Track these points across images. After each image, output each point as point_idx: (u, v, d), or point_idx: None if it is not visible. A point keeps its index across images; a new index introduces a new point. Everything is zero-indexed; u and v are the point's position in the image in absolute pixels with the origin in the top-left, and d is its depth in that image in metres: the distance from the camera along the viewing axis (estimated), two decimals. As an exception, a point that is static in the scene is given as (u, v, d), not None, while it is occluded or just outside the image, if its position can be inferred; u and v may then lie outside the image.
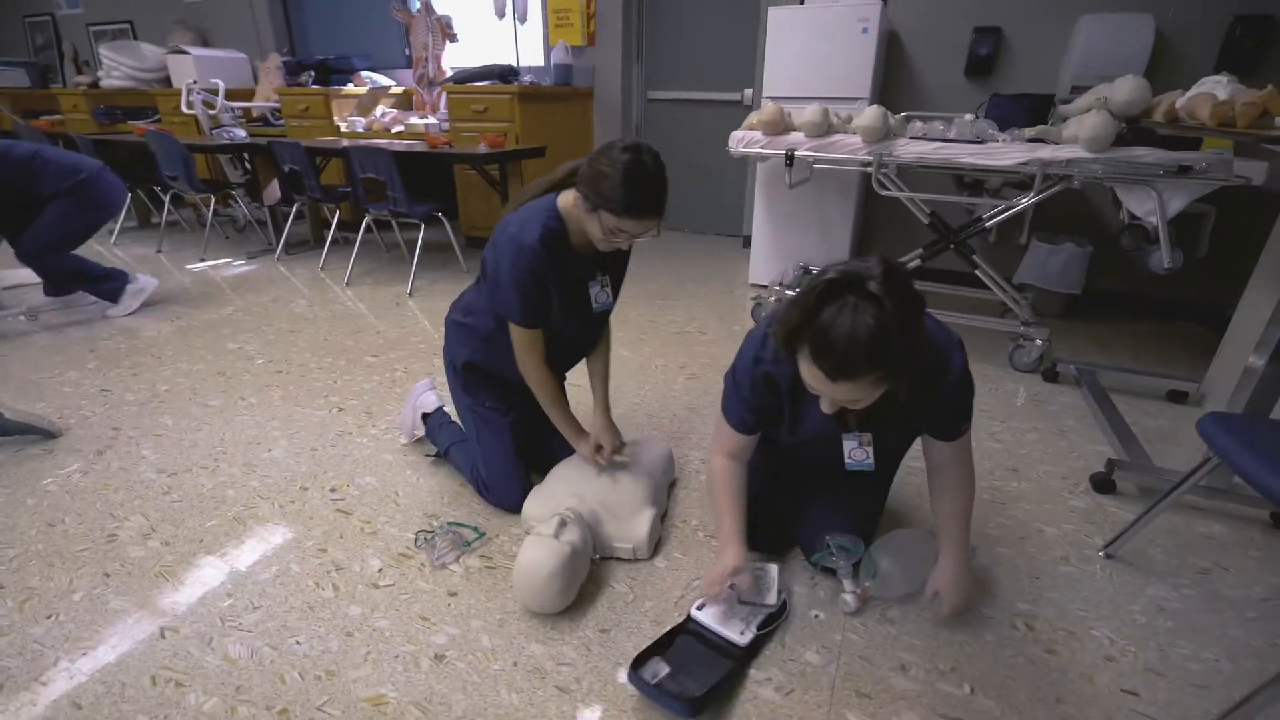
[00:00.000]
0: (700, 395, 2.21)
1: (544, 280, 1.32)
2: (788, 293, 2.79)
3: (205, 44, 5.64)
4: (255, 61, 5.28)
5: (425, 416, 1.79)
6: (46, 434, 1.90)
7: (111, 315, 2.89)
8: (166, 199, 4.17)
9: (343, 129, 4.27)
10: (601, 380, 1.59)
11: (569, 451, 1.57)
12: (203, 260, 3.86)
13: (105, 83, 5.66)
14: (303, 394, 2.18)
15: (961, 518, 1.18)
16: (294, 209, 3.87)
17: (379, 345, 2.59)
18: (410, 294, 3.20)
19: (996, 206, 2.37)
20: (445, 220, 3.35)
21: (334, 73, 4.71)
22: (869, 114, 2.40)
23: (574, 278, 1.39)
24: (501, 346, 1.47)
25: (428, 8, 4.27)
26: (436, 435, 1.74)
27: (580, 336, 1.54)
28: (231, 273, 3.63)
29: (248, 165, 4.25)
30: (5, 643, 1.20)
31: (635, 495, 1.44)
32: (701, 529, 1.53)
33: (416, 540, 1.47)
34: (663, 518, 1.54)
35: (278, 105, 4.67)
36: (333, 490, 1.66)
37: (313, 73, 4.63)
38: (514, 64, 4.10)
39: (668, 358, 2.50)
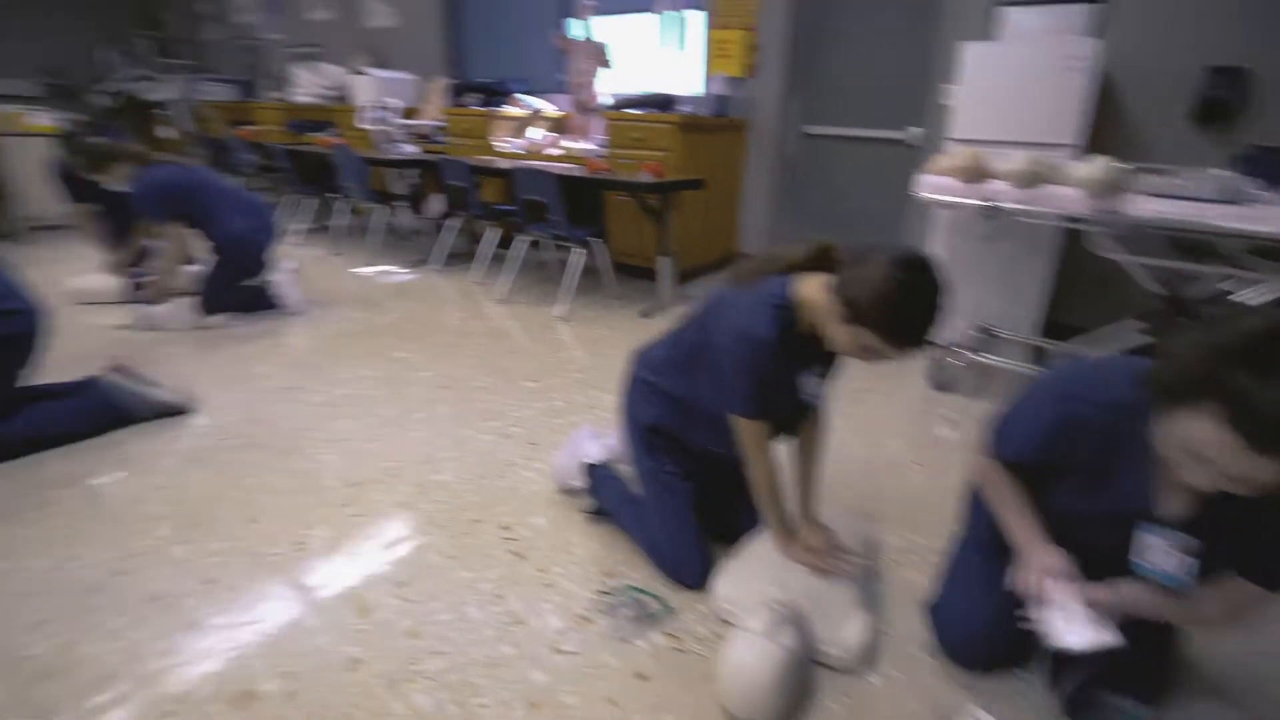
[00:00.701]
0: (863, 464, 2.01)
1: (772, 374, 1.19)
2: (974, 355, 2.53)
3: (381, 66, 6.11)
4: (424, 83, 5.65)
5: (588, 468, 1.67)
6: (182, 409, 2.11)
7: (292, 312, 3.09)
8: (341, 206, 4.50)
9: (499, 149, 4.44)
10: (810, 473, 1.43)
11: (752, 524, 1.43)
12: (368, 266, 4.11)
13: (295, 99, 6.27)
14: (468, 414, 2.20)
15: None
16: (453, 223, 4.03)
17: (535, 369, 2.59)
18: (563, 317, 3.21)
19: (1227, 275, 2.02)
20: (597, 245, 3.35)
21: (494, 95, 4.93)
22: (1095, 165, 2.13)
23: (793, 368, 1.25)
24: (694, 415, 1.37)
25: (588, 35, 4.37)
26: (601, 491, 1.63)
27: (784, 424, 1.39)
28: (393, 280, 3.83)
29: (415, 179, 4.51)
30: (212, 642, 1.23)
31: (846, 591, 1.28)
32: (912, 640, 1.32)
33: (598, 604, 1.38)
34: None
35: (444, 124, 4.94)
36: (505, 528, 1.62)
37: (481, 94, 4.86)
38: (673, 93, 4.09)
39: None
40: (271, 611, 1.33)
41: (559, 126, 4.90)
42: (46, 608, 1.31)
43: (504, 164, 3.68)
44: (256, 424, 2.08)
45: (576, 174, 3.37)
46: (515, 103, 4.78)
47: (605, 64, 4.35)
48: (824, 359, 1.29)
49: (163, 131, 6.67)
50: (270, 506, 1.67)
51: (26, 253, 4.02)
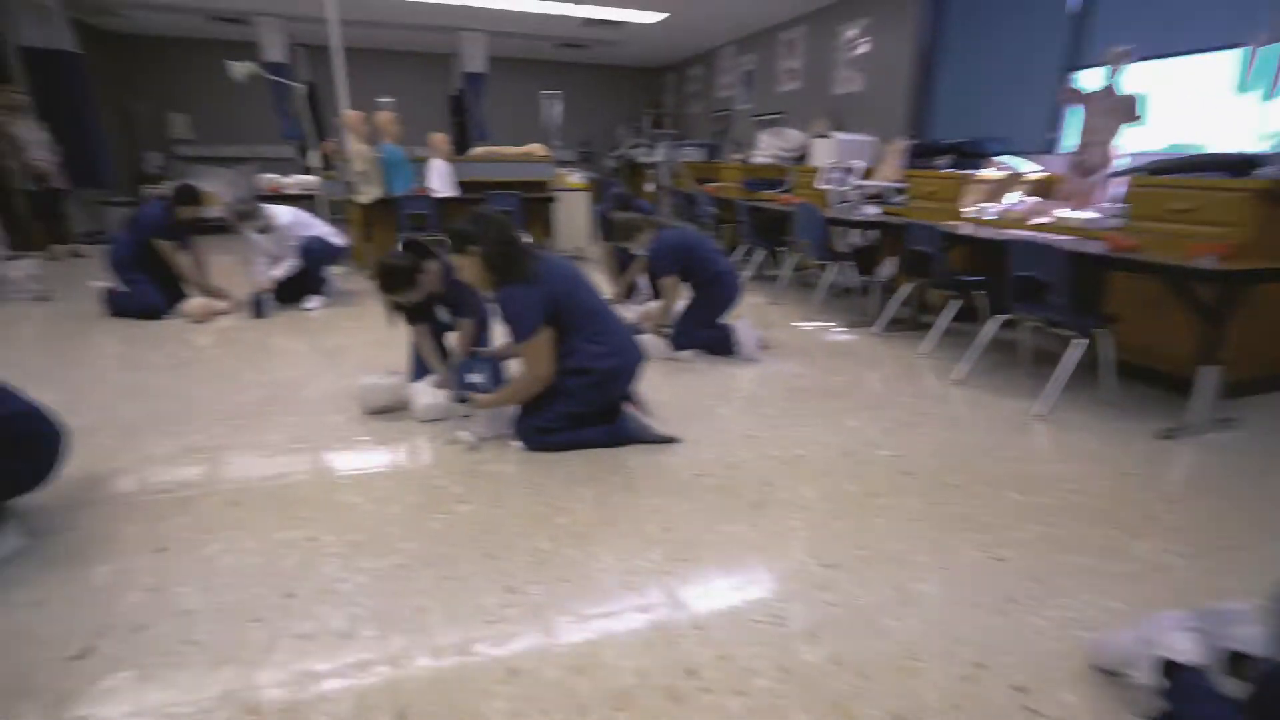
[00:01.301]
0: None
1: None
2: None
3: (840, 129, 6.32)
4: (882, 144, 5.61)
5: (1168, 667, 1.18)
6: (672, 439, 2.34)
7: (747, 358, 3.29)
8: (788, 260, 4.73)
9: (968, 214, 4.04)
10: None
11: None
12: (808, 320, 4.18)
13: (753, 159, 6.96)
14: (942, 516, 1.92)
15: None
16: (904, 290, 3.81)
17: (1015, 477, 2.16)
18: (1041, 415, 2.68)
19: None
20: (1102, 336, 2.70)
21: (966, 156, 4.55)
22: None
23: None
24: None
25: (1110, 88, 3.64)
26: (1183, 706, 1.13)
27: None
28: (830, 338, 3.80)
29: (869, 240, 4.45)
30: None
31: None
32: None
33: None
34: None
35: (903, 185, 4.78)
36: (1019, 690, 1.29)
37: (949, 155, 4.56)
38: (1249, 151, 3.10)
39: None
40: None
41: (1042, 191, 4.25)
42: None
43: (986, 233, 3.30)
44: (728, 469, 2.18)
45: (1088, 250, 2.78)
46: (991, 164, 4.32)
47: (1133, 119, 3.58)
48: None
49: (648, 187, 8.19)
50: (743, 560, 1.68)
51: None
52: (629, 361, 2.29)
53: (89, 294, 4.13)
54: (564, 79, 9.63)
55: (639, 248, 3.41)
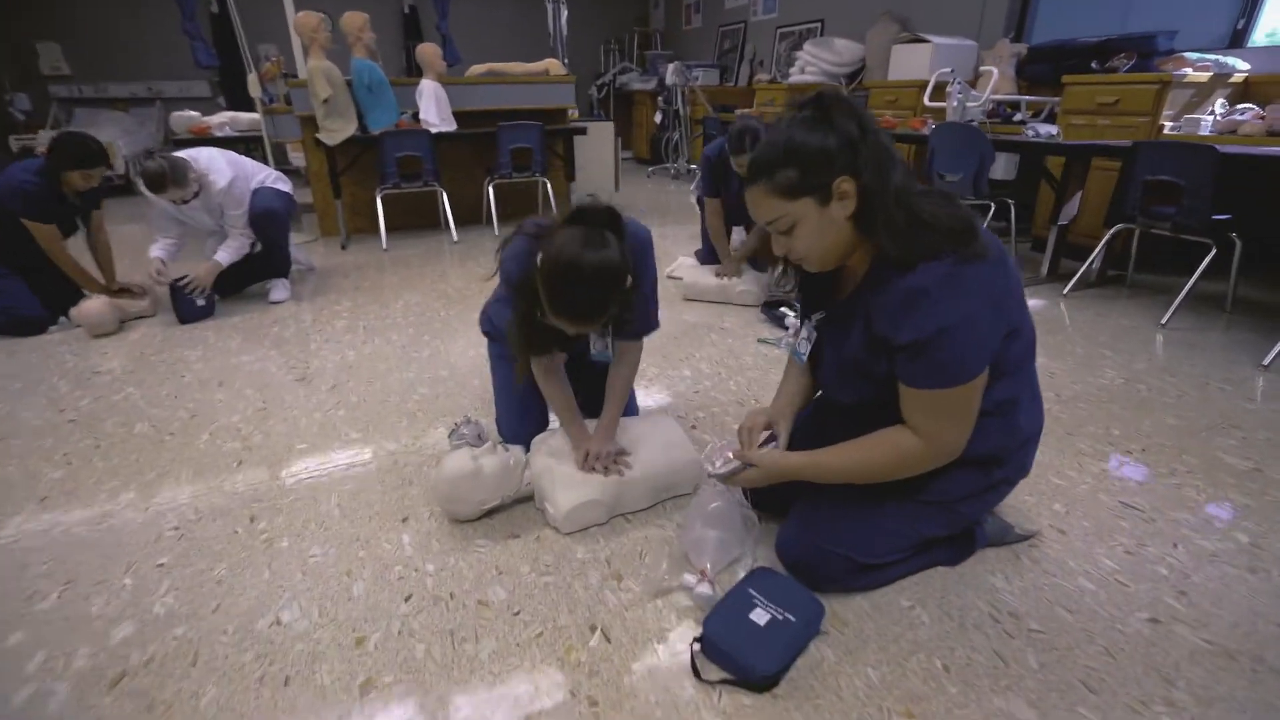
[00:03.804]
0: None
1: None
2: None
3: (912, 34, 5.16)
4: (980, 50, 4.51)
5: None
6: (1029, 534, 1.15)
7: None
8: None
9: (1171, 131, 3.05)
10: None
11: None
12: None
13: (796, 79, 5.75)
14: None
15: None
16: (1106, 235, 2.82)
17: None
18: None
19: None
20: None
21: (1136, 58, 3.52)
22: None
23: None
24: None
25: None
26: None
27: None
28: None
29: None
30: None
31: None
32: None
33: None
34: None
35: (1041, 100, 3.73)
36: None
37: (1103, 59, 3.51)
38: None
39: None
40: None
41: (1248, 96, 3.28)
42: None
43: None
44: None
45: None
46: (1179, 63, 3.30)
47: None
48: None
49: (656, 118, 6.90)
50: None
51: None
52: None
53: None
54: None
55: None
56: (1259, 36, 3.52)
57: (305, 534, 1.37)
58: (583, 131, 4.38)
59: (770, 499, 1.26)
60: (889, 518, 1.07)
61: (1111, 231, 2.79)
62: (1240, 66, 3.25)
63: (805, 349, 1.19)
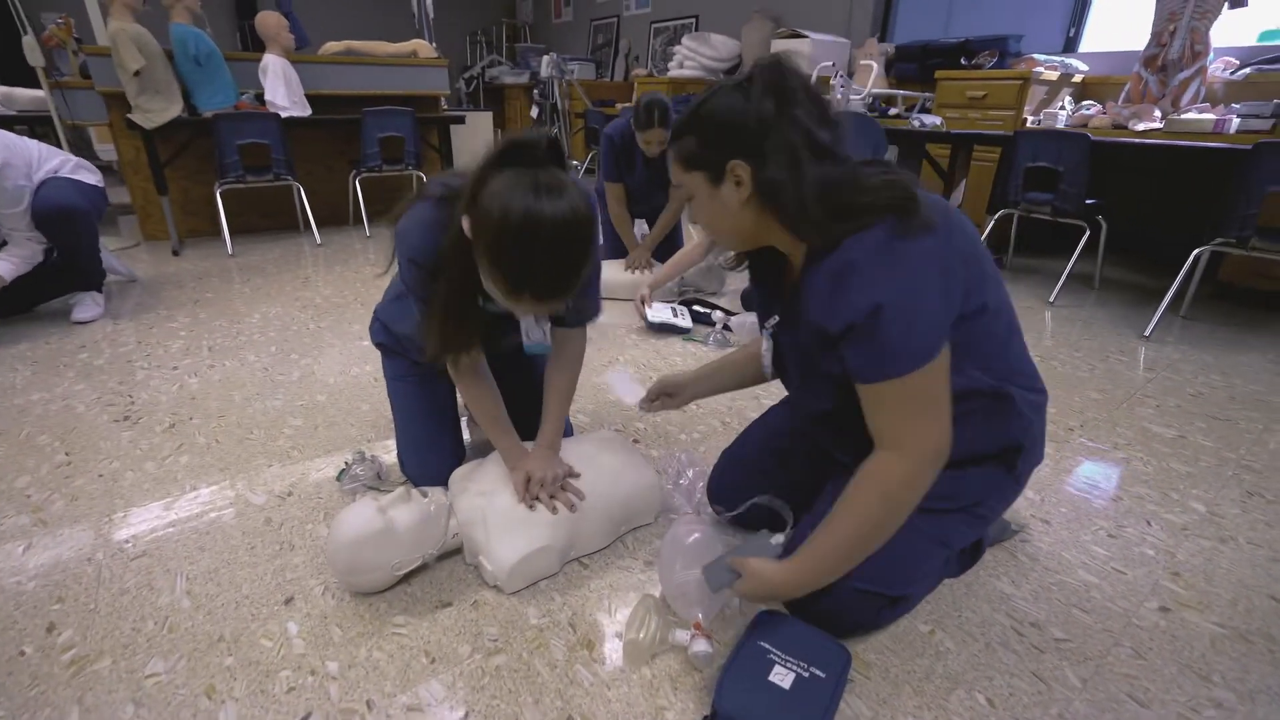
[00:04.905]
0: None
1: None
2: None
3: (782, 28, 5.27)
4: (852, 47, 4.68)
5: None
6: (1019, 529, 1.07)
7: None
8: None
9: (1032, 124, 3.27)
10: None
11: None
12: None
13: (676, 73, 5.69)
14: None
15: None
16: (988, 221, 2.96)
17: None
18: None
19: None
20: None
21: (964, 56, 3.78)
22: None
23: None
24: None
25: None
26: None
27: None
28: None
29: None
30: None
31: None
32: None
33: None
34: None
35: (912, 94, 3.90)
36: None
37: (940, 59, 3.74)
38: None
39: None
40: None
41: (1088, 95, 3.60)
42: None
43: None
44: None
45: None
46: (1031, 64, 3.57)
47: (1240, 2, 2.96)
48: None
49: (532, 112, 6.58)
50: None
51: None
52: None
53: None
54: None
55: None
56: (1087, 43, 3.91)
57: (136, 644, 0.98)
58: (461, 120, 3.99)
59: (762, 516, 1.07)
60: (916, 536, 0.91)
61: (996, 216, 2.93)
62: (1080, 67, 3.57)
63: (768, 360, 1.01)
